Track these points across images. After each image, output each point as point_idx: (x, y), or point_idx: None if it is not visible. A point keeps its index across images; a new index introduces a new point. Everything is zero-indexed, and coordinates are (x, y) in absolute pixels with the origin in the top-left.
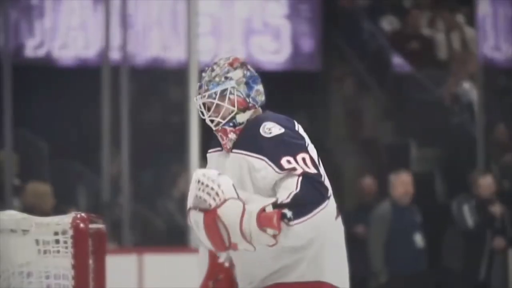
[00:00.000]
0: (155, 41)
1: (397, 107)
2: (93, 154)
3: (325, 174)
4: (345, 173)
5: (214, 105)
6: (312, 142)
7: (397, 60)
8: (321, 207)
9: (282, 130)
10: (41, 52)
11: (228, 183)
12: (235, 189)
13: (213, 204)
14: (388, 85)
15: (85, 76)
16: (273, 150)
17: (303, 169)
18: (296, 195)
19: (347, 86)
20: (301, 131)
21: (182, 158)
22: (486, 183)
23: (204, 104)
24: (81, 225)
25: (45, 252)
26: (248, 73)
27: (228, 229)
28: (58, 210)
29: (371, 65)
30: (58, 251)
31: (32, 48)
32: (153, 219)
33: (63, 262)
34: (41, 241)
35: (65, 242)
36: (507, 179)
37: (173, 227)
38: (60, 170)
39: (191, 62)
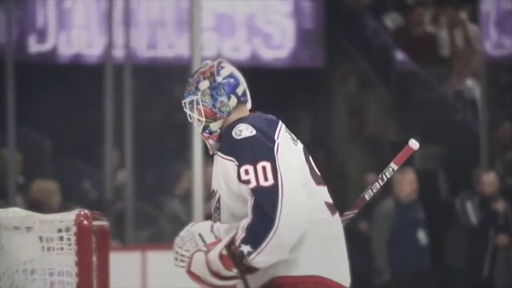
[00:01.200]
0: (158, 39)
1: (401, 104)
2: (96, 152)
3: (308, 175)
4: (349, 170)
5: (188, 114)
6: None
7: (401, 58)
8: (273, 230)
9: (253, 132)
10: (44, 50)
11: (194, 235)
12: (200, 238)
13: (186, 267)
14: (392, 83)
15: (88, 74)
16: (239, 153)
17: (257, 182)
18: (247, 227)
19: (351, 84)
20: (282, 133)
21: (185, 156)
22: (489, 180)
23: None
24: (85, 222)
25: (48, 249)
26: (214, 84)
27: (206, 279)
28: (65, 207)
29: (374, 63)
30: (62, 248)
31: (35, 46)
32: (156, 216)
33: (66, 259)
34: (44, 238)
35: (69, 239)
36: (510, 176)
37: (176, 225)
38: (63, 168)
39: (194, 59)
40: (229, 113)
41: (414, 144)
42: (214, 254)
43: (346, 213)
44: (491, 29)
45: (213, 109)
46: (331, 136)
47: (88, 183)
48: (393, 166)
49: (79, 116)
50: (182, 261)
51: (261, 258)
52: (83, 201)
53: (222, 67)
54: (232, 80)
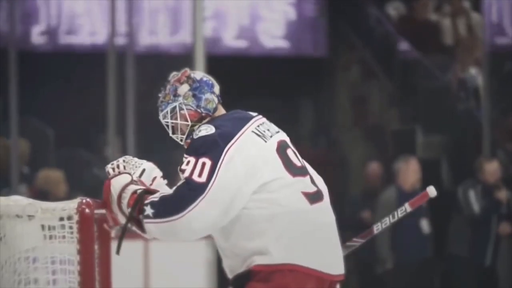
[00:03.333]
0: (160, 27)
1: (403, 93)
2: (99, 140)
3: (279, 169)
4: (351, 159)
5: (170, 125)
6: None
7: (403, 46)
8: (180, 214)
9: (212, 131)
10: (46, 39)
11: (140, 167)
12: (140, 172)
13: (111, 174)
14: (394, 72)
15: (91, 63)
16: (189, 150)
17: (191, 174)
18: (163, 197)
19: (353, 73)
20: (248, 132)
21: None
22: (492, 169)
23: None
24: (87, 210)
25: (50, 237)
26: (194, 85)
27: (110, 199)
28: (71, 197)
29: (377, 52)
30: (64, 237)
31: (37, 35)
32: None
33: (68, 248)
34: (46, 226)
35: (71, 227)
36: None
37: None
38: (66, 157)
39: (196, 48)
40: (215, 109)
41: (431, 191)
42: (131, 188)
43: (354, 239)
44: (494, 17)
45: (198, 110)
46: (333, 125)
47: (90, 172)
48: (407, 207)
49: (82, 105)
50: (113, 170)
51: (151, 227)
52: (85, 189)
53: (194, 72)
54: (209, 80)
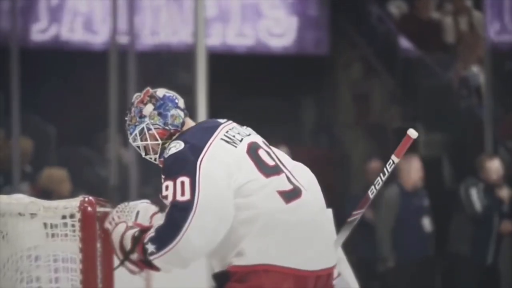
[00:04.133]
0: (162, 25)
1: (405, 91)
2: (100, 138)
3: (253, 172)
4: (353, 157)
5: (141, 146)
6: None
7: (405, 44)
8: (178, 237)
9: (181, 147)
10: (48, 37)
11: (134, 211)
12: (135, 216)
13: (110, 228)
14: (396, 70)
15: (93, 61)
16: (165, 169)
17: (174, 197)
18: (158, 229)
19: (355, 71)
20: (217, 140)
21: None
22: (494, 167)
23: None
24: (89, 208)
25: (53, 235)
26: (158, 103)
27: (116, 249)
28: (75, 195)
29: (378, 50)
30: (66, 235)
31: (39, 33)
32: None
33: (71, 246)
34: (49, 224)
35: (73, 225)
36: None
37: None
38: (68, 155)
39: (198, 47)
40: (183, 124)
41: (412, 133)
42: (129, 235)
43: (353, 212)
44: (495, 15)
45: (166, 127)
46: (335, 123)
47: (92, 170)
48: (394, 158)
49: (83, 103)
50: (110, 223)
51: (159, 261)
52: (87, 187)
53: (155, 90)
54: (172, 96)
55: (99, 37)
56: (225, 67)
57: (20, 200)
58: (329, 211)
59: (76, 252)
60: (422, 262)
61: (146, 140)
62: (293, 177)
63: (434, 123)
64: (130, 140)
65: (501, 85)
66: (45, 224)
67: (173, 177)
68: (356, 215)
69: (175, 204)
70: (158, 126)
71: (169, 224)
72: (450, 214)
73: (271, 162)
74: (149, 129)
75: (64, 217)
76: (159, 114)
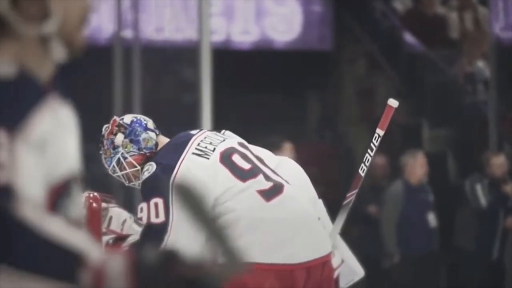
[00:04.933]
0: (167, 21)
1: (410, 87)
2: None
3: (229, 179)
4: (357, 153)
5: (122, 176)
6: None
7: (410, 40)
8: None
9: (153, 169)
10: None
11: (106, 217)
12: (108, 221)
13: None
14: (400, 65)
15: (97, 56)
16: (141, 194)
17: (148, 219)
18: (134, 245)
19: (359, 66)
20: (188, 155)
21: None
22: (498, 162)
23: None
24: (94, 204)
25: None
26: (127, 131)
27: None
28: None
29: (383, 45)
30: None
31: None
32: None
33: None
34: None
35: None
36: None
37: None
38: None
39: (203, 43)
40: (156, 145)
41: (393, 103)
42: (104, 240)
43: (347, 195)
44: (500, 11)
45: (141, 152)
46: (339, 118)
47: (97, 166)
48: (379, 132)
49: (88, 98)
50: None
51: None
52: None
53: (122, 118)
54: (139, 119)
55: (103, 32)
56: (229, 63)
57: None
58: (320, 202)
59: None
60: (427, 257)
61: (125, 169)
62: (275, 173)
63: (439, 119)
64: (110, 172)
65: (506, 81)
66: None
67: (147, 199)
68: (350, 197)
69: (150, 226)
70: (133, 153)
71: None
72: (455, 209)
73: (246, 166)
74: (125, 158)
75: None
76: (131, 141)
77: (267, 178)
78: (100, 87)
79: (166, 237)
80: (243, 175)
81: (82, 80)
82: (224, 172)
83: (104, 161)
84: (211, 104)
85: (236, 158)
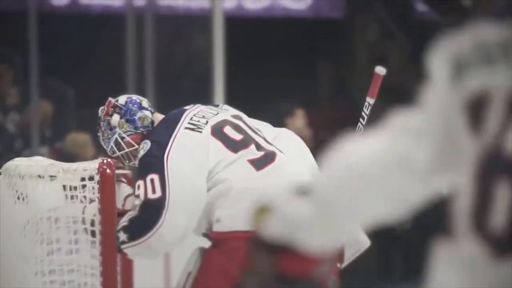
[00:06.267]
0: None
1: (422, 53)
2: None
3: (221, 152)
4: (370, 119)
5: (122, 156)
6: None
7: (421, 6)
8: (151, 232)
9: (148, 146)
10: (66, 0)
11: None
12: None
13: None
14: (412, 32)
15: (110, 24)
16: (138, 172)
17: (145, 195)
18: (132, 219)
19: (371, 33)
20: (181, 130)
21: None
22: None
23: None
24: (108, 170)
25: (72, 197)
26: (122, 111)
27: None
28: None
29: (395, 12)
30: (85, 197)
31: None
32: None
33: (90, 208)
34: (68, 186)
35: (92, 187)
36: None
37: None
38: (87, 118)
39: (215, 10)
40: (152, 123)
41: (380, 70)
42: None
43: None
44: None
45: (138, 131)
46: (352, 85)
47: None
48: (369, 100)
49: (101, 66)
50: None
51: (130, 251)
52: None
53: (117, 99)
54: (133, 99)
55: (116, 1)
56: (241, 30)
57: (39, 162)
58: (317, 169)
59: (95, 214)
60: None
61: (123, 149)
62: (268, 143)
63: None
64: (109, 153)
65: None
66: (64, 186)
67: (143, 176)
68: None
69: (147, 202)
70: (130, 132)
71: (143, 219)
72: None
73: (238, 137)
74: (122, 138)
75: (83, 179)
76: (127, 120)
77: (259, 147)
78: (113, 54)
79: (163, 214)
80: (235, 146)
81: (95, 47)
82: (217, 144)
83: (102, 142)
84: (223, 71)
85: (227, 129)
